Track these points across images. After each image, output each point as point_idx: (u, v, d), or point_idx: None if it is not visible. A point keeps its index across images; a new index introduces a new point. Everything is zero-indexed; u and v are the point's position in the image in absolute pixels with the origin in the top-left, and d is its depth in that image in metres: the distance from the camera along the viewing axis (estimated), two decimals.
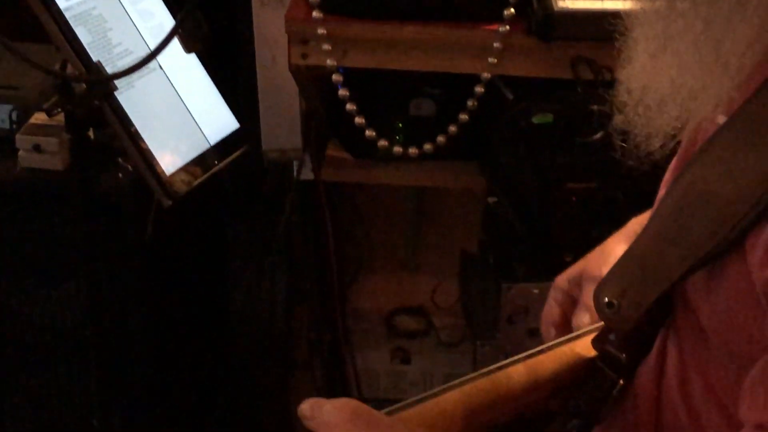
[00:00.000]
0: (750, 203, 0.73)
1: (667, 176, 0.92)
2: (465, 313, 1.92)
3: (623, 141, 0.88)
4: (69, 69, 1.32)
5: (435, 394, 0.78)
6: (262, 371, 2.26)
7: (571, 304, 1.00)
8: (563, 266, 1.04)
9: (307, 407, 0.68)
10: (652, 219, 0.85)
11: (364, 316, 2.31)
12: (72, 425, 1.81)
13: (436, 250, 2.20)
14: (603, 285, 0.84)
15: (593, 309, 0.93)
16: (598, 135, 1.54)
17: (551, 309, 1.01)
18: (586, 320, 0.95)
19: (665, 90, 0.79)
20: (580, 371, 0.87)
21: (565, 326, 0.99)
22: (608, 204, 1.59)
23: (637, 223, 1.04)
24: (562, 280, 1.02)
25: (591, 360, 0.87)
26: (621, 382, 0.85)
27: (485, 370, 0.83)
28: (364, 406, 0.67)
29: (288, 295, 2.29)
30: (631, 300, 0.82)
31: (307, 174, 1.96)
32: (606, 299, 0.82)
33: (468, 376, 0.82)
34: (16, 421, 1.86)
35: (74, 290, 1.79)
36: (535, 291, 1.63)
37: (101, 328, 1.76)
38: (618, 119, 0.86)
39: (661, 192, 0.92)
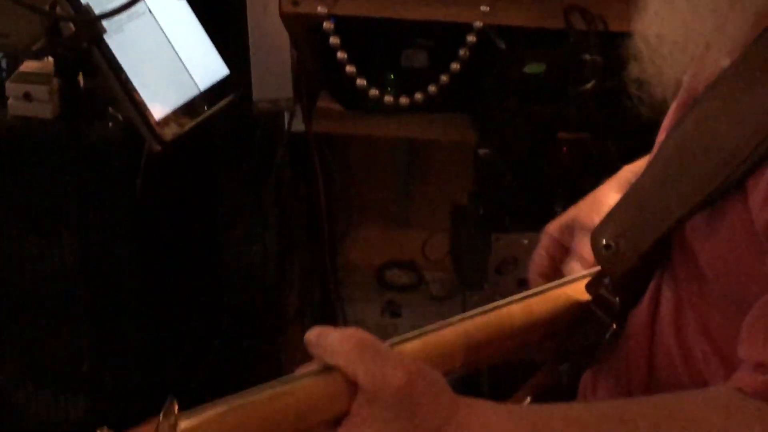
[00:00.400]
0: (753, 144, 0.74)
1: (667, 120, 0.92)
2: (454, 264, 1.92)
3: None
4: (58, 11, 1.30)
5: (435, 330, 0.78)
6: (254, 324, 2.27)
7: (561, 252, 1.00)
8: (553, 217, 1.04)
9: (313, 335, 0.69)
10: (652, 161, 0.86)
11: (355, 269, 2.32)
12: (62, 371, 1.82)
13: (427, 203, 2.20)
14: (601, 227, 0.85)
15: (585, 257, 0.94)
16: (590, 85, 1.54)
17: (540, 257, 1.01)
18: (578, 268, 0.95)
19: (678, 37, 0.80)
20: (574, 315, 0.87)
21: (553, 275, 0.99)
22: (599, 154, 1.59)
23: (629, 171, 1.04)
24: (553, 227, 1.02)
25: (585, 304, 0.87)
26: (614, 326, 0.86)
27: (482, 308, 0.83)
28: (370, 337, 0.67)
29: (279, 248, 2.29)
30: (630, 242, 0.82)
31: (298, 125, 1.95)
32: (604, 241, 0.83)
33: (466, 314, 0.82)
34: (7, 367, 1.87)
35: (65, 239, 1.79)
36: (525, 242, 1.64)
37: (92, 276, 1.76)
38: (633, 69, 0.87)
39: (661, 136, 0.92)
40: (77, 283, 1.77)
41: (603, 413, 0.70)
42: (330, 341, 0.67)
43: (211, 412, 0.61)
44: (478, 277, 1.73)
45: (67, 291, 1.80)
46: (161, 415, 0.58)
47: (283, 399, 0.64)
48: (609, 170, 1.06)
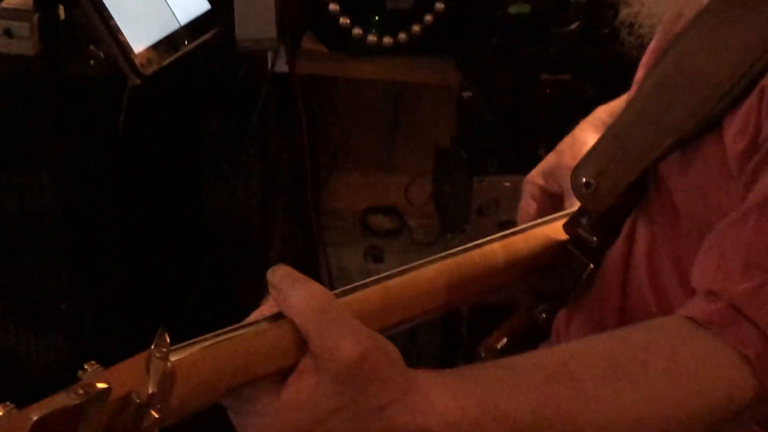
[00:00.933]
0: (734, 79, 0.74)
1: (646, 58, 0.92)
2: (437, 208, 1.93)
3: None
4: None
5: (416, 267, 0.77)
6: (236, 268, 2.27)
7: (546, 199, 0.99)
8: (536, 160, 1.04)
9: (277, 277, 0.67)
10: (632, 100, 0.85)
11: (338, 214, 2.31)
12: (41, 311, 1.82)
13: (412, 148, 2.20)
14: (581, 165, 0.84)
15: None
16: (575, 26, 1.53)
17: (527, 205, 1.00)
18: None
19: None
20: (552, 255, 0.87)
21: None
22: (582, 97, 1.59)
23: (603, 112, 1.03)
24: (536, 175, 1.01)
25: (562, 244, 0.87)
26: (591, 266, 0.86)
27: (464, 247, 0.83)
28: (334, 301, 0.65)
29: (263, 192, 2.28)
30: (609, 180, 0.82)
31: (282, 66, 1.94)
32: (584, 179, 0.83)
33: (447, 252, 0.81)
34: None
35: (45, 177, 1.78)
36: (507, 184, 1.64)
37: (72, 215, 1.76)
38: (624, 13, 0.88)
39: (640, 73, 0.92)
40: (57, 222, 1.77)
41: (553, 371, 0.68)
42: (292, 294, 0.65)
43: (197, 347, 0.61)
44: (460, 219, 1.73)
45: (47, 230, 1.79)
46: (152, 345, 0.57)
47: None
48: (589, 110, 1.06)
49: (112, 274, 1.86)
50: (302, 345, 0.64)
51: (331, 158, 2.28)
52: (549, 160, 1.01)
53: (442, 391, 0.65)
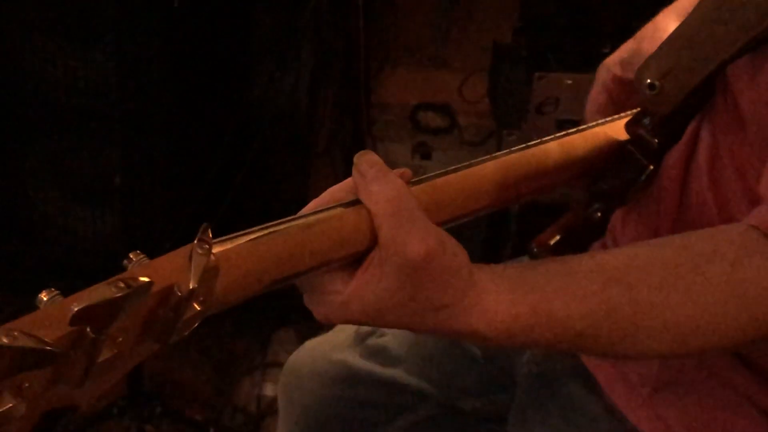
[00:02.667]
0: None
1: None
2: (492, 104, 1.90)
3: None
4: None
5: (472, 164, 0.76)
6: (283, 156, 2.26)
7: (620, 88, 0.96)
8: (600, 57, 0.99)
9: (365, 163, 0.66)
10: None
11: (387, 108, 2.30)
12: (93, 184, 1.83)
13: (467, 43, 2.16)
14: (646, 66, 0.82)
15: None
16: None
17: (598, 93, 0.97)
18: None
19: None
20: (611, 155, 0.86)
21: (612, 113, 0.94)
22: None
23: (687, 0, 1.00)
24: (613, 61, 0.97)
25: (622, 144, 0.86)
26: (650, 167, 0.85)
27: (519, 146, 0.82)
28: (412, 201, 0.64)
29: (312, 82, 2.26)
30: (674, 82, 0.80)
31: None
32: (648, 80, 0.81)
33: (504, 150, 0.80)
34: (37, 180, 1.88)
35: (101, 53, 1.77)
36: (568, 81, 1.61)
37: (126, 91, 1.75)
38: None
39: None
40: (112, 97, 1.77)
41: (607, 279, 0.68)
42: (373, 183, 0.65)
43: (243, 239, 0.61)
44: (517, 117, 1.71)
45: (101, 105, 1.79)
46: (195, 240, 0.57)
47: (313, 228, 0.63)
48: (659, 9, 1.02)
49: (163, 152, 1.87)
50: (375, 233, 0.64)
51: (384, 51, 2.25)
52: (627, 47, 0.97)
53: (496, 298, 0.66)
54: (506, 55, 1.79)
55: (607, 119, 0.89)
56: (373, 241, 0.65)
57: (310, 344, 1.16)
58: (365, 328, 1.11)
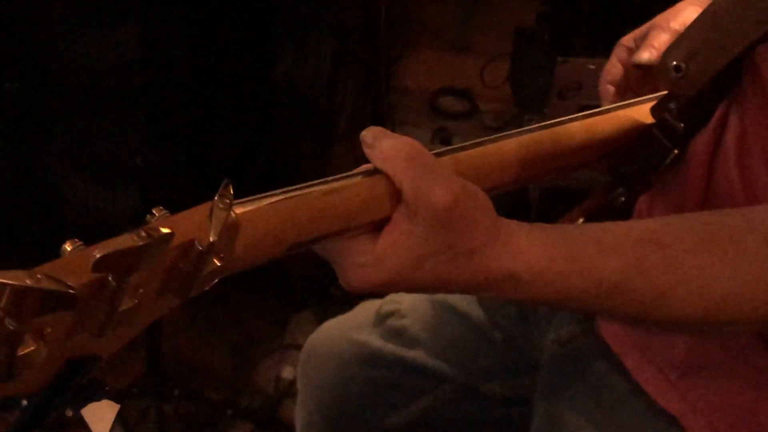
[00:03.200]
0: None
1: None
2: (514, 89, 1.90)
3: None
4: None
5: (494, 140, 0.76)
6: (303, 139, 2.27)
7: (632, 61, 0.95)
8: None
9: (369, 135, 0.66)
10: None
11: (408, 93, 2.30)
12: (115, 163, 1.83)
13: (489, 28, 2.16)
14: (672, 48, 0.81)
15: (657, 47, 0.91)
16: None
17: (613, 66, 0.96)
18: (645, 56, 0.92)
19: None
20: (635, 137, 0.85)
21: (625, 87, 0.95)
22: None
23: None
24: (628, 38, 0.97)
25: (647, 127, 0.85)
26: (675, 151, 0.84)
27: (542, 124, 0.81)
28: (424, 151, 0.65)
29: (333, 65, 2.26)
30: (700, 64, 0.80)
31: None
32: (674, 63, 0.80)
33: (526, 128, 0.80)
34: (60, 159, 1.89)
35: (126, 33, 1.77)
36: (591, 67, 1.60)
37: (150, 72, 1.76)
38: None
39: None
40: (134, 78, 1.77)
41: (641, 237, 0.67)
42: (383, 146, 0.65)
43: (265, 201, 0.61)
44: (539, 102, 1.70)
45: (124, 85, 1.79)
46: (216, 195, 0.57)
47: (334, 194, 0.63)
48: None
49: (185, 134, 1.87)
50: (396, 195, 0.64)
51: (406, 36, 2.24)
52: (644, 26, 0.97)
53: (530, 240, 0.65)
54: (529, 39, 1.78)
55: (632, 101, 0.89)
56: (395, 208, 0.65)
57: (329, 325, 1.16)
58: (385, 308, 1.12)
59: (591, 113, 0.85)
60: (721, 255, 0.67)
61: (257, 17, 2.18)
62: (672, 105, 0.84)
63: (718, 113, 0.84)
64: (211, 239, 0.55)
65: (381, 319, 1.11)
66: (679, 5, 0.98)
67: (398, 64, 2.28)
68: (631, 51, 0.96)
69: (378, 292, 0.69)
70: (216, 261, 0.56)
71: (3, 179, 1.88)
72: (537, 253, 0.65)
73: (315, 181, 0.64)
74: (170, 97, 1.84)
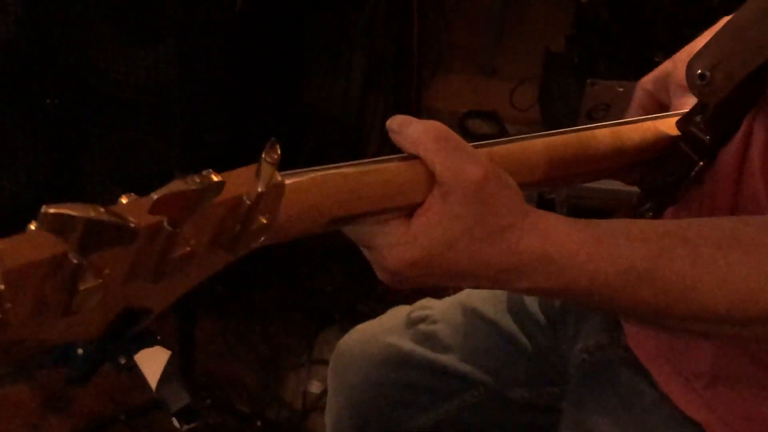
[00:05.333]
0: None
1: None
2: (543, 111, 1.92)
3: None
4: None
5: (522, 139, 0.76)
6: (333, 158, 2.29)
7: (654, 106, 0.97)
8: (651, 66, 1.00)
9: (396, 122, 0.68)
10: None
11: (437, 115, 2.32)
12: (152, 177, 1.87)
13: (518, 51, 2.19)
14: (697, 57, 0.82)
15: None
16: None
17: (634, 112, 0.97)
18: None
19: None
20: (661, 149, 0.86)
21: None
22: (703, 4, 1.56)
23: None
24: (647, 81, 0.98)
25: (673, 140, 0.86)
26: (701, 163, 0.84)
27: (572, 128, 0.81)
28: (452, 132, 0.66)
29: (363, 86, 2.30)
30: (725, 71, 0.80)
31: None
32: (698, 71, 0.81)
33: (556, 131, 0.80)
34: (98, 172, 1.93)
35: (163, 52, 1.82)
36: (620, 89, 1.63)
37: (187, 90, 1.80)
38: None
39: None
40: (172, 95, 1.81)
41: (666, 230, 0.69)
42: (411, 131, 0.66)
43: (306, 175, 0.62)
44: (568, 123, 1.73)
45: (162, 101, 1.83)
46: (264, 152, 0.57)
47: (373, 174, 0.64)
48: (711, 19, 1.03)
49: (219, 151, 1.91)
50: (429, 179, 0.65)
51: (435, 59, 2.28)
52: (664, 67, 0.97)
53: (561, 223, 0.66)
54: (558, 62, 1.81)
55: (659, 115, 0.90)
56: (427, 193, 0.65)
57: (361, 327, 1.18)
58: (416, 314, 1.13)
59: (619, 122, 0.85)
60: (745, 250, 0.68)
61: (290, 38, 2.23)
62: (698, 118, 0.84)
63: (744, 125, 0.84)
64: (259, 190, 0.56)
65: (412, 323, 1.13)
66: (696, 46, 0.99)
67: (428, 86, 2.31)
68: (651, 96, 0.97)
69: (410, 286, 0.68)
70: (262, 219, 0.57)
71: (43, 192, 1.93)
72: (568, 234, 0.65)
73: (352, 162, 0.65)
74: (205, 114, 1.87)
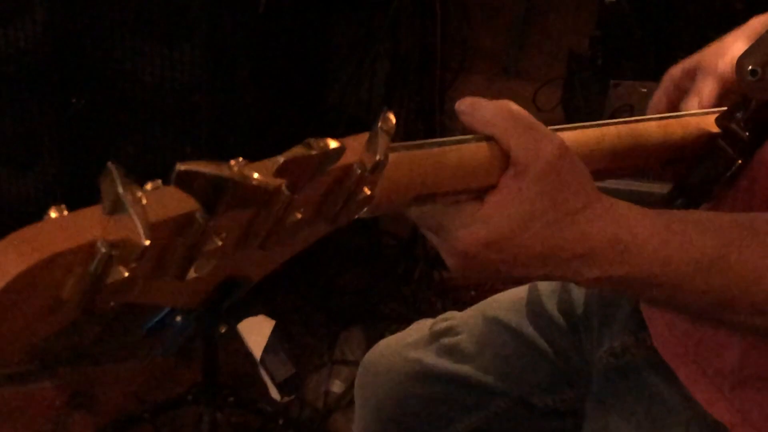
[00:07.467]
0: None
1: None
2: (566, 113, 1.92)
3: None
4: None
5: (573, 128, 0.75)
6: None
7: (680, 95, 0.96)
8: None
9: (466, 104, 0.67)
10: None
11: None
12: None
13: (541, 54, 2.19)
14: (748, 53, 0.81)
15: (703, 97, 0.92)
16: None
17: (659, 99, 0.97)
18: (693, 106, 0.92)
19: None
20: (700, 146, 0.85)
21: None
22: (727, 6, 1.56)
23: (758, 22, 0.99)
24: (676, 70, 0.97)
25: (713, 136, 0.85)
26: (739, 161, 0.83)
27: (621, 119, 0.81)
28: (524, 110, 0.65)
29: (387, 89, 2.31)
30: None
31: None
32: (750, 67, 0.80)
33: (607, 121, 0.79)
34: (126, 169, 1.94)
35: (189, 53, 1.83)
36: (643, 90, 1.62)
37: (213, 92, 1.82)
38: None
39: None
40: (196, 96, 1.83)
41: (734, 220, 0.69)
42: (484, 111, 0.66)
43: (393, 152, 0.60)
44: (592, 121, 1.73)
45: (186, 102, 1.85)
46: (380, 121, 0.56)
47: (454, 152, 0.63)
48: (734, 20, 1.03)
49: (243, 149, 1.92)
50: (503, 161, 0.64)
51: (459, 61, 2.28)
52: (691, 58, 0.97)
53: (632, 209, 0.66)
54: (581, 63, 1.81)
55: (700, 111, 0.89)
56: (501, 175, 0.64)
57: (385, 343, 1.18)
58: (439, 326, 1.13)
59: (664, 116, 0.85)
60: None
61: (314, 40, 2.24)
62: (739, 114, 0.84)
63: None
64: (377, 158, 0.55)
65: (435, 337, 1.12)
66: (727, 40, 0.98)
67: (452, 88, 2.32)
68: (677, 85, 0.96)
69: (476, 276, 0.66)
70: (367, 190, 0.56)
71: (70, 190, 1.95)
72: (640, 221, 0.65)
73: (428, 140, 0.64)
74: (230, 115, 1.89)
